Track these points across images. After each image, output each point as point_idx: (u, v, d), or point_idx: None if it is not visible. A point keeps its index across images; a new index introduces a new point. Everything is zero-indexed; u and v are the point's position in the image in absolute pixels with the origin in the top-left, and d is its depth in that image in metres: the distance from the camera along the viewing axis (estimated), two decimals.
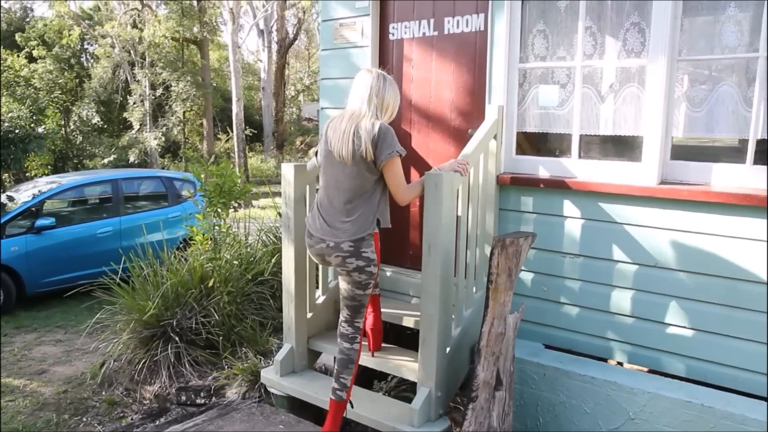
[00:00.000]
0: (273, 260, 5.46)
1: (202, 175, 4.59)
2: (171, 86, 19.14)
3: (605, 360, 3.23)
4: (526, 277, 3.45)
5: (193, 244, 4.62)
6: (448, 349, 3.15)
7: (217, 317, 4.68)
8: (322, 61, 4.23)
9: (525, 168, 3.45)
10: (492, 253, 2.82)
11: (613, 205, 3.12)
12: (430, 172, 2.95)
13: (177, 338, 4.63)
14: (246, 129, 19.84)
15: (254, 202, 4.78)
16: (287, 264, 3.60)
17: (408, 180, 3.51)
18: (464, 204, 3.20)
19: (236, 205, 4.67)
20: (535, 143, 3.57)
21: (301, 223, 3.56)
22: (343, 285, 3.05)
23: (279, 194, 5.13)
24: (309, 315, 3.74)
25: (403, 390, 4.29)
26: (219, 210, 4.54)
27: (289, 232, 3.55)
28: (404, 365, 3.36)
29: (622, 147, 3.27)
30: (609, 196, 3.12)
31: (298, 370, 3.68)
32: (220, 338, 4.63)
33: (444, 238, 2.98)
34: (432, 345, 3.04)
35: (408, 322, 3.60)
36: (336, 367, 3.11)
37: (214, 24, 20.37)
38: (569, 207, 3.25)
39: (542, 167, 3.38)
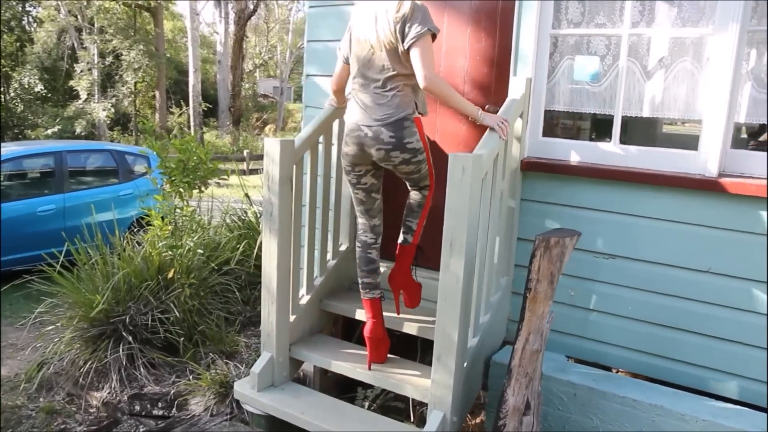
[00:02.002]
0: (240, 247, 4.82)
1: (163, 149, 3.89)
2: (122, 55, 17.84)
3: (639, 377, 2.76)
4: None
5: (150, 228, 3.92)
6: (465, 364, 2.61)
7: (177, 313, 4.02)
8: (310, 20, 3.57)
9: (553, 153, 2.91)
10: (533, 256, 2.28)
11: (660, 198, 2.62)
12: (457, 153, 2.38)
13: (130, 337, 3.96)
14: (201, 103, 18.75)
15: (211, 180, 4.14)
16: (268, 258, 2.98)
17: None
18: (486, 190, 2.64)
19: (200, 186, 3.98)
20: (565, 124, 3.03)
21: (287, 210, 2.94)
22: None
23: (244, 172, 4.48)
24: (292, 318, 3.13)
25: (391, 400, 3.76)
26: (182, 191, 3.86)
27: (271, 221, 2.92)
28: (408, 381, 2.81)
29: (673, 132, 2.76)
30: (655, 189, 2.62)
31: (279, 383, 3.08)
32: (182, 338, 3.97)
33: (470, 234, 2.42)
34: (449, 363, 2.49)
35: (409, 328, 3.04)
36: (405, 211, 2.96)
37: None
38: (606, 199, 2.74)
39: (574, 152, 2.85)
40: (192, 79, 17.26)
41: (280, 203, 2.89)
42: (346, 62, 2.84)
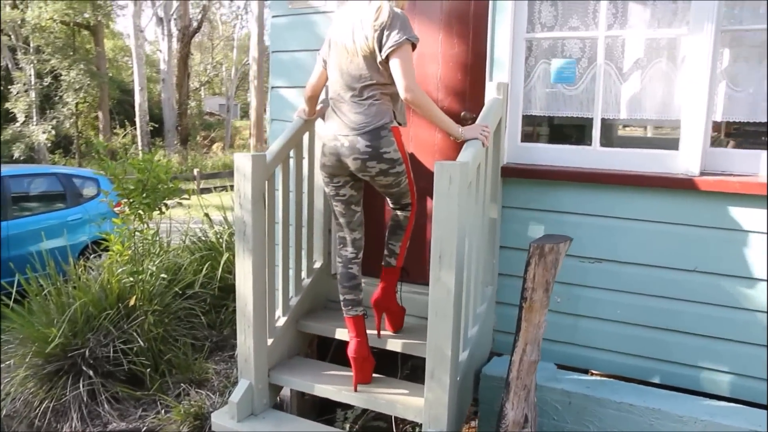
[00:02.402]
0: (203, 270, 4.59)
1: (116, 171, 3.64)
2: (61, 75, 17.11)
3: (631, 381, 2.71)
4: None
5: (109, 254, 3.67)
6: (458, 379, 2.50)
7: (141, 342, 3.77)
8: (274, 30, 3.43)
9: (533, 158, 2.85)
10: (528, 264, 2.20)
11: (643, 200, 2.60)
12: (442, 162, 2.28)
13: (90, 371, 3.68)
14: (149, 123, 18.18)
15: (172, 200, 3.91)
16: (243, 279, 2.80)
17: None
18: (471, 199, 2.55)
19: (161, 207, 3.76)
20: (543, 129, 2.99)
21: (261, 228, 2.78)
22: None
23: (200, 191, 4.27)
24: (269, 342, 2.96)
25: (372, 419, 3.61)
26: (141, 213, 3.62)
27: (245, 241, 2.75)
28: (398, 401, 2.67)
29: (651, 133, 2.75)
30: (639, 190, 2.60)
31: (259, 412, 2.89)
32: (147, 369, 3.72)
33: (459, 245, 2.32)
34: (443, 379, 2.38)
35: (393, 345, 2.91)
36: (387, 233, 2.89)
37: (109, 8, 18.42)
38: (590, 203, 2.70)
39: (555, 156, 2.81)
40: (138, 98, 16.68)
41: (253, 222, 2.73)
42: (325, 68, 2.73)
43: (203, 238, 5.20)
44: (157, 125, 21.55)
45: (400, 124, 2.66)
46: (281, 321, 3.08)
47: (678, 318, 2.60)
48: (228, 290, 4.76)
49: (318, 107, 3.04)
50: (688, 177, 2.50)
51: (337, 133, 2.63)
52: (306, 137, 3.14)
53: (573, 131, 2.92)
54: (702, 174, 2.50)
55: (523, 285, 2.22)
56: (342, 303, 2.79)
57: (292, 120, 3.07)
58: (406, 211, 2.84)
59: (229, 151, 24.03)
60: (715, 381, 2.56)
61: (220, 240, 5.03)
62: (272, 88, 3.47)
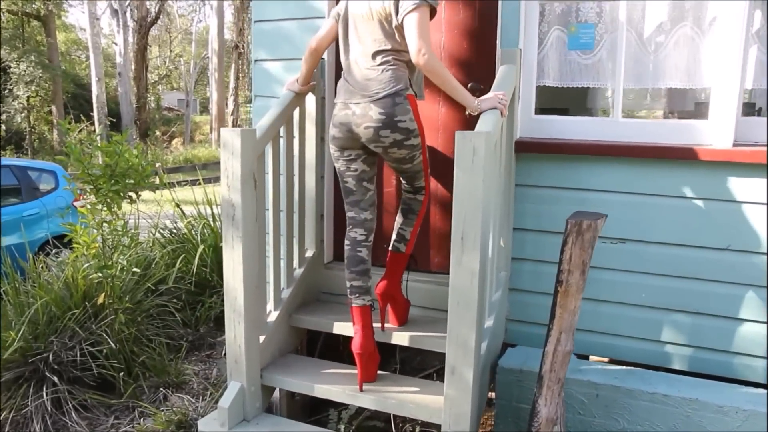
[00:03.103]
0: (177, 264, 4.22)
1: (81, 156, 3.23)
2: (10, 67, 16.14)
3: (656, 369, 2.50)
4: (551, 270, 2.61)
5: (75, 249, 3.27)
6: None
7: (111, 344, 3.38)
8: None
9: (549, 131, 2.61)
10: (565, 243, 1.95)
11: (671, 174, 2.38)
12: (464, 132, 2.01)
13: (55, 377, 3.28)
14: (107, 116, 17.35)
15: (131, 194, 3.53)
16: (232, 270, 2.47)
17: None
18: (492, 175, 2.29)
19: (132, 195, 3.37)
20: (558, 100, 2.75)
21: (251, 212, 2.45)
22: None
23: (167, 185, 3.87)
24: (261, 339, 2.64)
25: (367, 419, 3.33)
26: (109, 201, 3.24)
27: (234, 225, 2.42)
28: (410, 401, 2.39)
29: (678, 102, 2.53)
30: (665, 163, 2.38)
31: (252, 417, 2.57)
32: (120, 373, 3.33)
33: (484, 225, 2.05)
34: (467, 375, 2.11)
35: (400, 339, 2.63)
36: (397, 217, 2.64)
37: None
38: (612, 178, 2.47)
39: (573, 129, 2.57)
40: (95, 89, 15.79)
41: (243, 204, 2.40)
42: (337, 23, 2.47)
43: (174, 231, 4.80)
44: (114, 120, 20.66)
45: (416, 95, 2.39)
46: (273, 316, 2.76)
47: (709, 300, 2.39)
48: (204, 285, 4.39)
49: (312, 83, 2.73)
50: (720, 148, 2.29)
51: (348, 101, 2.38)
52: (296, 113, 2.82)
53: (594, 101, 2.68)
54: (735, 144, 2.30)
55: (558, 267, 1.97)
56: (348, 290, 2.50)
57: (280, 96, 2.75)
58: (420, 194, 2.57)
59: (190, 146, 23.29)
60: (751, 367, 2.37)
61: (193, 232, 4.65)
62: (255, 61, 3.12)
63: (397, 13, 2.27)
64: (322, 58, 2.84)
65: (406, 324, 2.72)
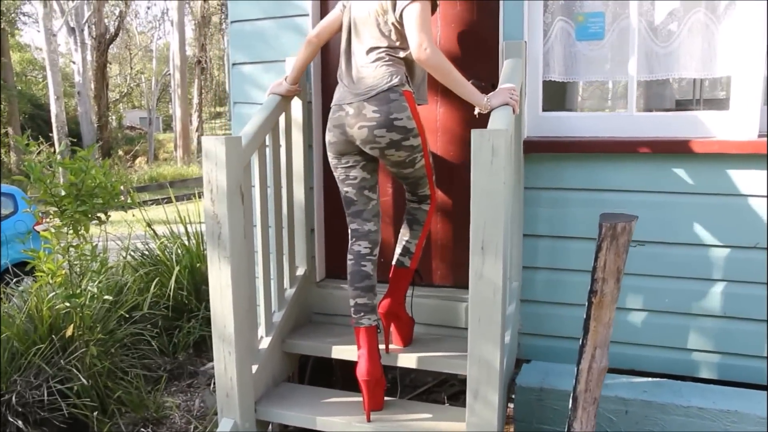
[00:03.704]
0: (152, 288, 3.90)
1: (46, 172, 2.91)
2: None
3: (682, 379, 2.32)
4: (568, 278, 2.42)
5: (39, 277, 2.93)
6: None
7: (83, 379, 3.04)
8: None
9: (558, 129, 2.42)
10: (599, 249, 1.75)
11: (693, 169, 2.21)
12: (482, 130, 1.79)
13: (19, 421, 2.92)
14: (67, 135, 16.67)
15: (99, 215, 3.22)
16: (220, 295, 2.20)
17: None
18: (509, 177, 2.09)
19: (100, 216, 3.06)
20: (565, 95, 2.56)
21: (239, 228, 2.19)
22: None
23: (138, 204, 3.54)
24: (254, 369, 2.36)
25: None
26: (76, 223, 2.92)
27: (220, 245, 2.15)
28: (426, 430, 2.15)
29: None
30: (687, 159, 2.21)
31: None
32: (95, 412, 3.00)
33: (506, 233, 1.84)
34: (491, 398, 1.88)
35: (407, 361, 2.39)
36: (402, 229, 2.42)
37: (12, 16, 16.73)
38: (630, 177, 2.29)
39: (584, 126, 2.38)
40: (54, 108, 15.06)
41: (230, 219, 2.14)
42: (342, 14, 2.29)
43: (146, 253, 4.46)
44: (75, 140, 19.92)
45: (414, 94, 2.19)
46: (265, 342, 2.49)
47: (736, 302, 2.22)
48: (180, 309, 4.07)
49: (296, 85, 2.49)
50: (745, 140, 2.13)
51: (342, 101, 2.20)
52: (282, 119, 2.57)
53: (603, 95, 2.49)
54: (760, 136, 2.14)
55: (592, 276, 1.76)
56: (352, 310, 2.25)
57: (263, 101, 2.51)
58: (425, 204, 2.35)
59: (154, 165, 22.67)
60: None
61: (167, 253, 4.32)
62: (233, 65, 2.86)
63: (394, 9, 2.09)
64: None
65: (411, 344, 2.48)
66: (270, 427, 2.79)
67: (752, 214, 2.17)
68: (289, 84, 2.47)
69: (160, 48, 33.37)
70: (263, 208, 2.45)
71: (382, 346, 2.40)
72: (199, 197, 5.97)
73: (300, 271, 2.76)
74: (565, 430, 1.86)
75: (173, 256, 4.20)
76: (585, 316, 1.80)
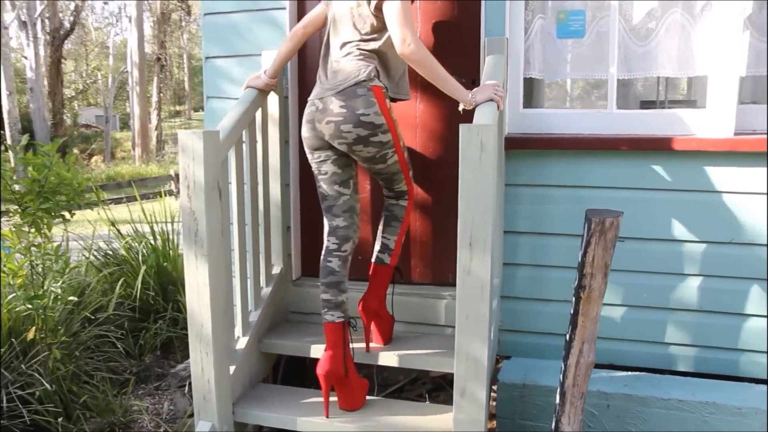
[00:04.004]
0: (118, 288, 3.75)
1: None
2: None
3: (662, 372, 2.35)
4: (549, 275, 2.43)
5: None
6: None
7: (46, 384, 2.90)
8: None
9: (539, 126, 2.42)
10: (588, 244, 1.74)
11: (672, 167, 2.24)
12: (469, 125, 1.77)
13: None
14: (20, 131, 16.00)
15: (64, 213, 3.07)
16: (197, 294, 2.11)
17: None
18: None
19: (64, 215, 2.92)
20: (544, 92, 2.56)
21: (217, 225, 2.11)
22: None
23: (87, 206, 3.38)
24: (231, 369, 2.29)
25: None
26: (38, 221, 2.78)
27: (197, 242, 2.07)
28: (410, 427, 2.11)
29: (670, 93, 2.40)
30: (666, 156, 2.24)
31: None
32: (59, 419, 2.86)
33: (494, 229, 1.82)
34: (479, 394, 1.86)
35: (387, 359, 2.35)
36: (381, 225, 2.38)
37: None
38: (610, 174, 2.31)
39: (564, 123, 2.39)
40: (6, 104, 14.39)
41: (208, 216, 2.06)
42: (326, 9, 2.26)
43: (109, 253, 4.30)
44: (28, 138, 19.13)
45: (388, 93, 2.15)
46: (242, 342, 2.41)
47: (713, 297, 2.26)
48: (147, 310, 3.94)
49: (275, 79, 2.43)
50: (719, 138, 2.17)
51: (315, 97, 2.17)
52: (259, 114, 2.50)
53: (582, 93, 2.51)
54: (736, 134, 2.18)
55: (580, 271, 1.76)
56: (321, 305, 2.22)
57: (237, 96, 2.44)
58: (402, 199, 2.32)
59: (112, 164, 22.03)
60: (756, 363, 2.25)
61: (132, 252, 4.17)
62: (206, 59, 2.77)
63: (369, 1, 2.06)
64: None
65: (390, 342, 2.45)
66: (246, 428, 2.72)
67: (728, 210, 2.21)
68: (268, 78, 2.40)
69: (117, 44, 32.46)
70: (240, 204, 2.37)
71: (361, 345, 2.36)
72: (162, 196, 5.79)
73: (276, 270, 2.69)
74: (553, 425, 1.85)
75: (139, 256, 4.06)
76: (572, 312, 1.80)
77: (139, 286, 3.77)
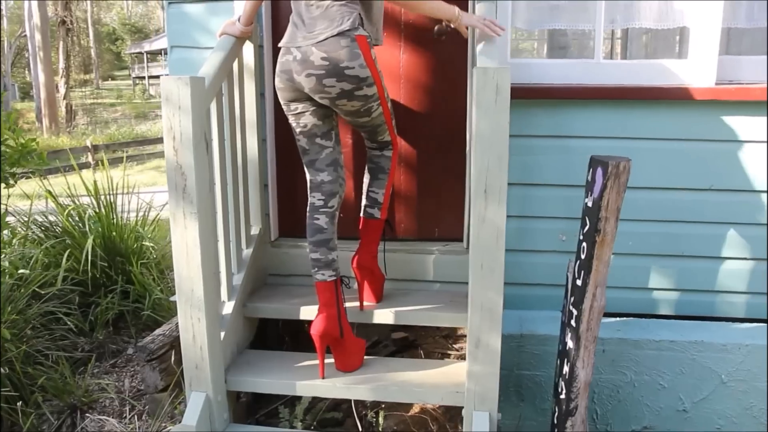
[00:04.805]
0: (64, 260, 3.45)
1: None
2: None
3: (644, 316, 2.44)
4: (537, 225, 2.44)
5: None
6: None
7: None
8: None
9: (526, 76, 2.39)
10: (604, 187, 1.74)
11: (656, 116, 2.29)
12: (484, 67, 1.71)
13: None
14: None
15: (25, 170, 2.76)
16: (185, 256, 1.95)
17: None
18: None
19: (10, 180, 2.62)
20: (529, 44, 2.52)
21: (205, 179, 1.95)
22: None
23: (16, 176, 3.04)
24: (222, 336, 2.15)
25: (322, 411, 2.95)
26: None
27: (185, 199, 1.90)
28: (414, 384, 2.07)
29: (656, 43, 2.44)
30: (652, 105, 2.28)
31: (220, 430, 2.09)
32: (19, 403, 2.61)
33: (506, 173, 1.78)
34: (494, 344, 1.84)
35: (383, 317, 2.29)
36: (366, 178, 2.28)
37: None
38: (597, 124, 2.33)
39: (552, 73, 2.37)
40: None
41: (197, 170, 1.89)
42: None
43: (47, 225, 3.93)
44: None
45: (370, 39, 2.03)
46: (227, 307, 2.27)
47: (694, 242, 2.35)
48: (95, 284, 3.65)
49: (250, 26, 2.25)
50: (704, 87, 2.23)
51: (290, 44, 1.99)
52: (235, 66, 2.31)
53: (571, 43, 2.50)
54: (717, 83, 2.25)
55: (593, 216, 1.76)
56: (310, 265, 2.11)
57: (207, 45, 2.26)
58: (387, 150, 2.23)
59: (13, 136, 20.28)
60: (732, 303, 2.37)
61: (72, 222, 3.84)
62: (170, 3, 2.53)
63: None
64: None
65: (382, 300, 2.39)
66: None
67: (709, 157, 2.29)
68: (242, 25, 2.22)
69: (10, 6, 29.71)
70: (222, 160, 2.20)
71: (354, 304, 2.28)
72: (75, 168, 5.31)
73: (255, 230, 2.54)
74: (566, 369, 1.87)
75: (87, 226, 3.74)
76: (583, 257, 1.80)
77: (89, 258, 3.48)
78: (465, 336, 3.17)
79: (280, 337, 2.87)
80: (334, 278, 2.11)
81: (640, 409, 2.26)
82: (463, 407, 1.95)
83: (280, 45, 2.03)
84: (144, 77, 30.89)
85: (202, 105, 1.91)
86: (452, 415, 2.42)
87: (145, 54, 31.28)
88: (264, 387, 2.15)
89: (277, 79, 2.05)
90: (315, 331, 2.06)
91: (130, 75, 33.15)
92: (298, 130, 2.11)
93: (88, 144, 13.11)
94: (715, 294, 2.37)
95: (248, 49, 2.39)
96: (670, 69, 2.30)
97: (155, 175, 11.96)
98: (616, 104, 2.29)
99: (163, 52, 30.12)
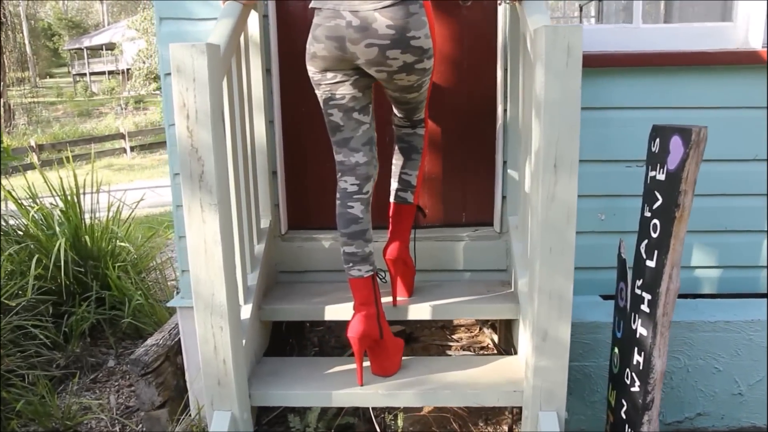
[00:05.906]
0: (32, 267, 3.07)
1: None
2: None
3: (686, 296, 2.29)
4: (578, 205, 2.24)
5: None
6: None
7: None
8: None
9: None
10: (685, 157, 1.55)
11: (701, 83, 2.13)
12: (555, 26, 1.49)
13: None
14: None
15: None
16: (204, 255, 1.66)
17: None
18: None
19: None
20: None
21: (225, 164, 1.67)
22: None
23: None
24: (243, 343, 1.87)
25: (334, 417, 2.71)
26: None
27: (203, 188, 1.61)
28: (464, 385, 1.85)
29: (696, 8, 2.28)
30: (696, 72, 2.12)
31: None
32: None
33: (578, 144, 1.57)
34: (563, 336, 1.64)
35: (419, 312, 2.06)
36: (396, 159, 2.04)
37: None
38: (638, 93, 2.15)
39: (587, 40, 2.18)
40: None
41: (216, 153, 1.61)
42: None
43: (6, 228, 3.50)
44: None
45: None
46: (245, 311, 1.99)
47: (736, 216, 2.22)
48: (70, 291, 3.27)
49: None
50: (749, 50, 2.08)
51: (342, 8, 1.66)
52: (242, 40, 2.02)
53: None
54: (765, 46, 2.11)
55: (675, 188, 1.57)
56: (342, 259, 1.86)
57: (202, 16, 1.96)
58: (420, 127, 1.99)
59: None
60: None
61: (37, 223, 3.43)
62: None
63: None
64: None
65: (413, 294, 2.16)
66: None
67: (754, 126, 2.15)
68: None
69: None
70: (234, 145, 1.91)
71: (387, 299, 2.05)
72: (24, 170, 4.87)
73: (264, 223, 2.26)
74: (640, 359, 1.68)
75: (53, 229, 3.35)
76: (656, 235, 1.62)
77: (61, 263, 3.10)
78: (462, 326, 2.98)
79: (285, 341, 2.60)
80: (371, 273, 1.86)
81: (693, 395, 2.11)
82: (510, 406, 1.74)
83: (313, 6, 1.73)
84: (85, 74, 29.39)
85: (219, 77, 1.63)
86: (478, 412, 2.22)
87: (85, 50, 29.75)
88: (296, 400, 1.88)
89: (316, 45, 1.72)
90: (353, 333, 1.80)
91: (69, 72, 31.49)
92: (332, 102, 1.79)
93: (33, 143, 12.27)
94: (759, 269, 2.25)
95: (253, 20, 2.10)
96: (714, 32, 2.15)
97: (108, 174, 11.31)
98: (656, 71, 2.12)
99: (104, 47, 28.74)
